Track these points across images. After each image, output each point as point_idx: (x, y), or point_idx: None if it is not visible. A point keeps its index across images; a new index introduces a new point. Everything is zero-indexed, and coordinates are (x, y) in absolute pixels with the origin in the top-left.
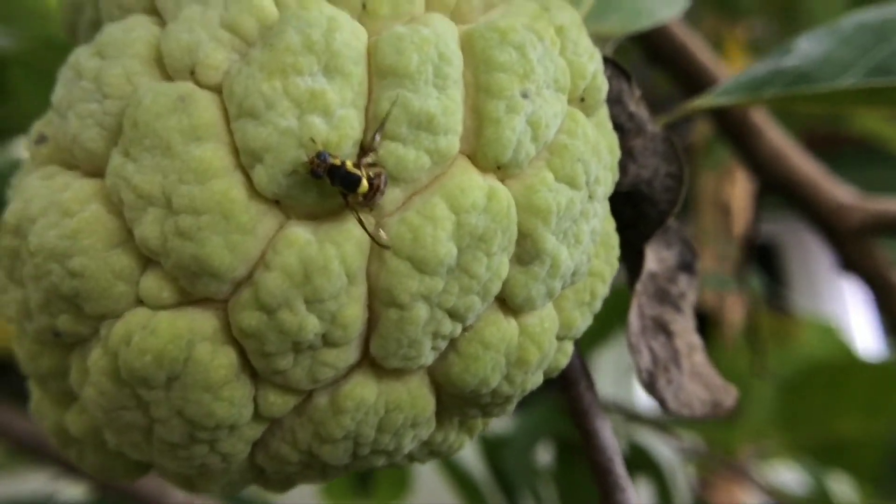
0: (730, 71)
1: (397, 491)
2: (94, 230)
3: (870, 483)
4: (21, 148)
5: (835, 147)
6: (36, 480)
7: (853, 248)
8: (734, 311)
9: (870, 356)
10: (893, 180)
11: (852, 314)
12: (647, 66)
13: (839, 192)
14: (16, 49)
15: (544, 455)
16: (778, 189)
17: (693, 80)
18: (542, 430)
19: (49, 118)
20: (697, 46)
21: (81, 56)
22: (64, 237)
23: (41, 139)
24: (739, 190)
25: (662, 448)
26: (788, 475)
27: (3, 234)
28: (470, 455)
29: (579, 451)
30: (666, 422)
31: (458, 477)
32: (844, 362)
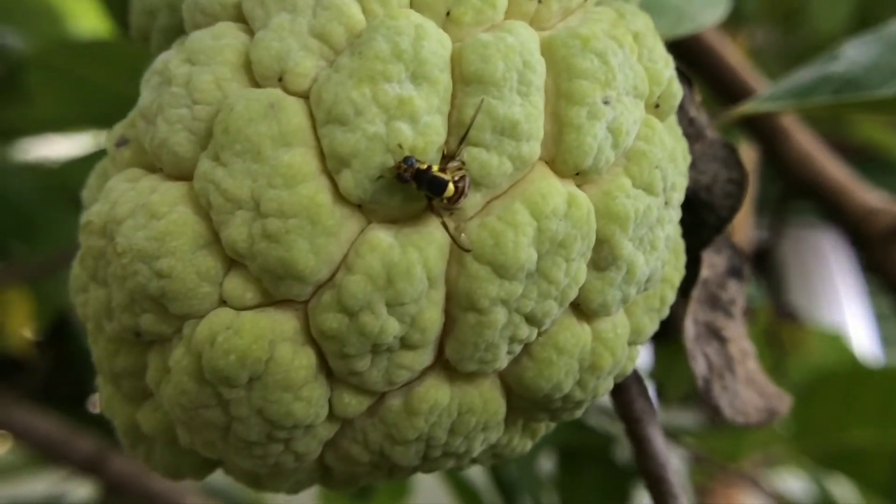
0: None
1: (397, 496)
2: (182, 232)
3: (878, 493)
4: (31, 148)
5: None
6: (46, 481)
7: (879, 251)
8: None
9: (877, 364)
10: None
11: (849, 318)
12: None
13: (867, 195)
14: (30, 50)
15: (546, 463)
16: (805, 192)
17: (724, 84)
18: (545, 437)
19: (131, 121)
20: (728, 50)
21: (171, 62)
22: (152, 238)
23: (122, 142)
24: None
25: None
26: (795, 483)
27: (89, 235)
28: None
29: (582, 459)
30: (672, 429)
31: (459, 484)
32: (854, 371)
